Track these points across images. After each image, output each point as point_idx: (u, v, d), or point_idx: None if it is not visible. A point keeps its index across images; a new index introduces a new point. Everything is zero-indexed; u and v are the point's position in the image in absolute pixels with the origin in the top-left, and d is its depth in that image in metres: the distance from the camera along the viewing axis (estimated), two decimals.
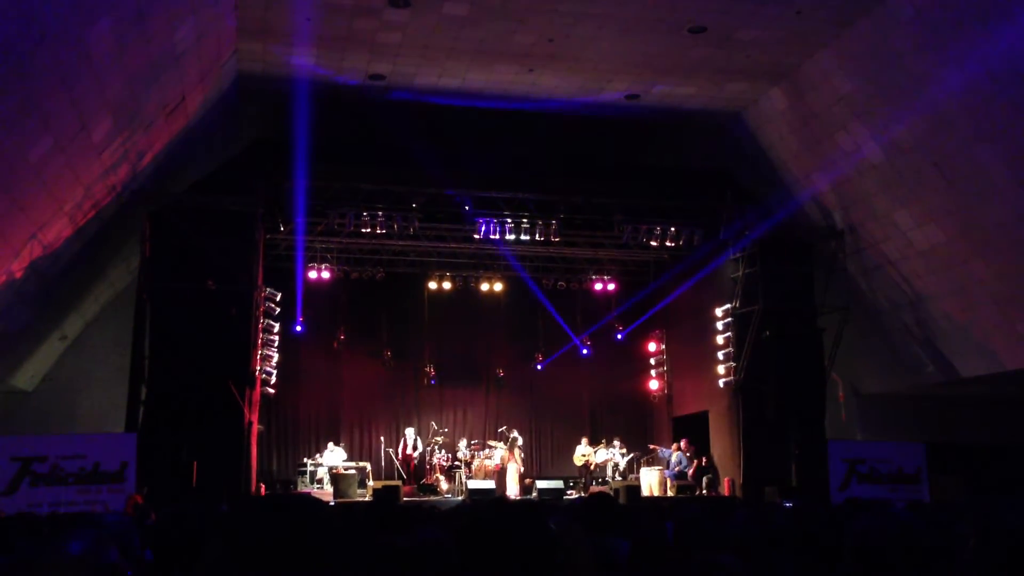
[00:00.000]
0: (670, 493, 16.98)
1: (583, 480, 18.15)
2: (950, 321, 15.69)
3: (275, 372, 16.21)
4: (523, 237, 16.54)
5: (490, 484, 16.72)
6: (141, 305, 14.30)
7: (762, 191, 17.31)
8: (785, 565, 3.46)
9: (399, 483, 16.74)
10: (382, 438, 18.78)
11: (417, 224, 16.31)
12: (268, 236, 15.93)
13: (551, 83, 15.04)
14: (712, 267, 17.59)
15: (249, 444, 14.41)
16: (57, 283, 14.34)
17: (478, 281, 19.48)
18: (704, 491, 17.13)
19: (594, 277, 19.99)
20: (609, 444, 18.62)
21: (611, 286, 20.12)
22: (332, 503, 14.14)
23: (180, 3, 11.17)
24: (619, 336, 20.32)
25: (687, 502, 14.59)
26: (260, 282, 15.25)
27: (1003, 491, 14.98)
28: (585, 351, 20.14)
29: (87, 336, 17.35)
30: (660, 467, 17.77)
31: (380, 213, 16.03)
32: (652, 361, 20.63)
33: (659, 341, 20.55)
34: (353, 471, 16.74)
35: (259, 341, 15.23)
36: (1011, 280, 14.22)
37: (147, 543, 3.72)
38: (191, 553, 3.32)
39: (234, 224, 14.75)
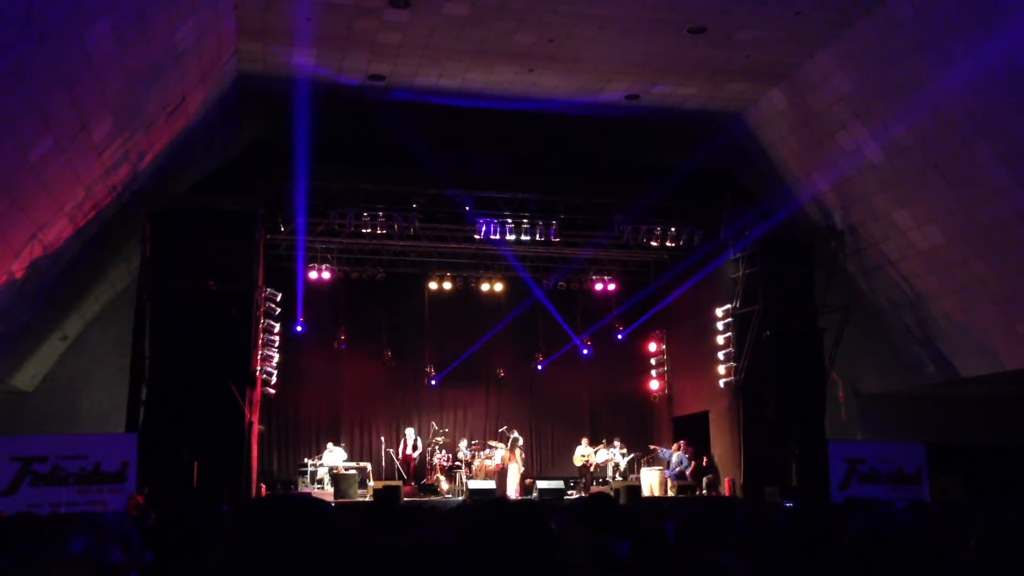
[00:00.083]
0: (670, 493, 16.98)
1: (583, 480, 18.14)
2: (950, 321, 15.69)
3: (275, 372, 16.21)
4: (523, 237, 16.54)
5: (490, 484, 16.72)
6: (141, 305, 14.31)
7: (762, 191, 17.30)
8: (785, 565, 3.47)
9: (399, 483, 16.74)
10: (382, 438, 18.78)
11: (417, 224, 16.31)
12: (268, 236, 15.93)
13: (551, 83, 15.04)
14: (712, 267, 17.59)
15: (250, 444, 14.41)
16: (58, 283, 14.34)
17: (478, 281, 19.49)
18: (704, 491, 17.13)
19: (594, 277, 19.99)
20: (609, 444, 18.62)
21: (611, 286, 20.12)
22: (332, 503, 14.14)
23: (180, 3, 11.17)
24: (619, 336, 20.32)
25: (687, 502, 14.59)
26: (260, 282, 15.25)
27: (1003, 491, 14.98)
28: (585, 351, 20.14)
29: (88, 336, 17.36)
30: (660, 467, 17.76)
31: (380, 213, 16.04)
32: (652, 361, 20.63)
33: (659, 341, 20.55)
34: (353, 471, 16.74)
35: (259, 341, 15.23)
36: (1011, 280, 14.22)
37: (147, 543, 3.72)
38: (191, 553, 3.32)
39: (234, 224, 14.75)
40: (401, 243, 17.43)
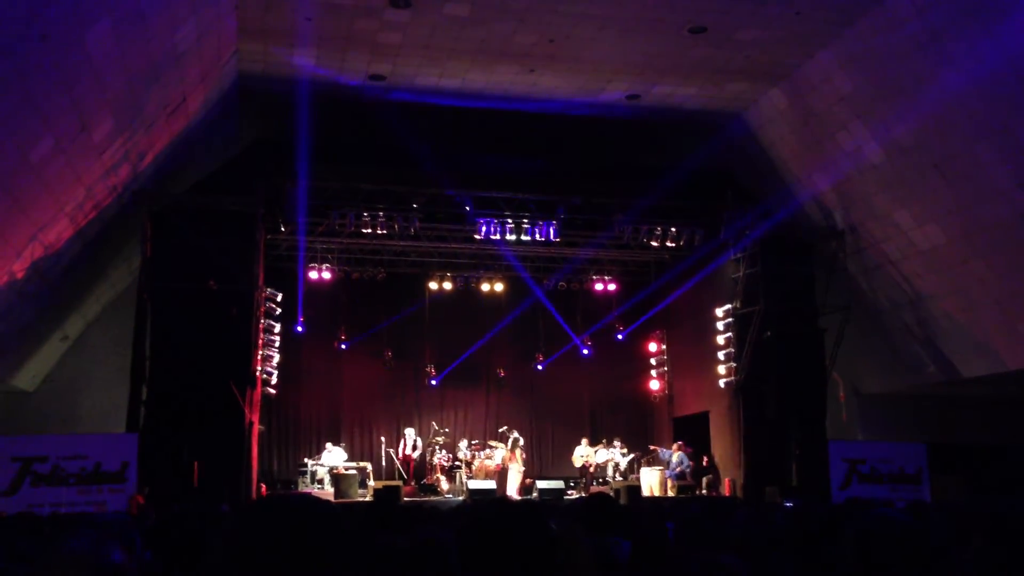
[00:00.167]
0: (670, 493, 16.97)
1: (583, 480, 18.14)
2: (951, 321, 15.69)
3: (276, 372, 16.22)
4: (523, 237, 16.54)
5: (491, 484, 16.72)
6: (142, 305, 14.31)
7: (762, 191, 17.31)
8: (785, 565, 3.47)
9: (400, 483, 16.75)
10: (383, 438, 18.77)
11: (418, 224, 16.31)
12: (268, 236, 15.94)
13: (551, 83, 15.04)
14: (713, 267, 17.59)
15: (250, 444, 14.42)
16: (58, 283, 14.35)
17: (478, 281, 19.49)
18: (704, 491, 17.13)
19: (594, 277, 19.99)
20: (609, 444, 18.61)
21: (612, 286, 20.11)
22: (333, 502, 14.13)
23: (180, 3, 11.17)
24: (619, 336, 20.32)
25: (688, 502, 14.59)
26: (261, 282, 15.25)
27: (1003, 491, 14.98)
28: (586, 351, 20.14)
29: (88, 336, 17.36)
30: (660, 467, 17.76)
31: (380, 213, 16.04)
32: (653, 361, 20.62)
33: (660, 341, 20.55)
34: (354, 471, 16.74)
35: (260, 341, 15.23)
36: (1012, 279, 14.22)
37: (147, 543, 3.72)
38: (191, 553, 3.33)
39: (235, 224, 14.75)
40: (401, 243, 17.43)
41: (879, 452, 15.75)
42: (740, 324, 16.67)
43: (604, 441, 18.81)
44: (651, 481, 17.35)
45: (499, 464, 17.58)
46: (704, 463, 17.59)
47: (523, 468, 17.84)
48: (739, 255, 16.84)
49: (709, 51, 13.81)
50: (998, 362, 15.27)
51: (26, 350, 15.69)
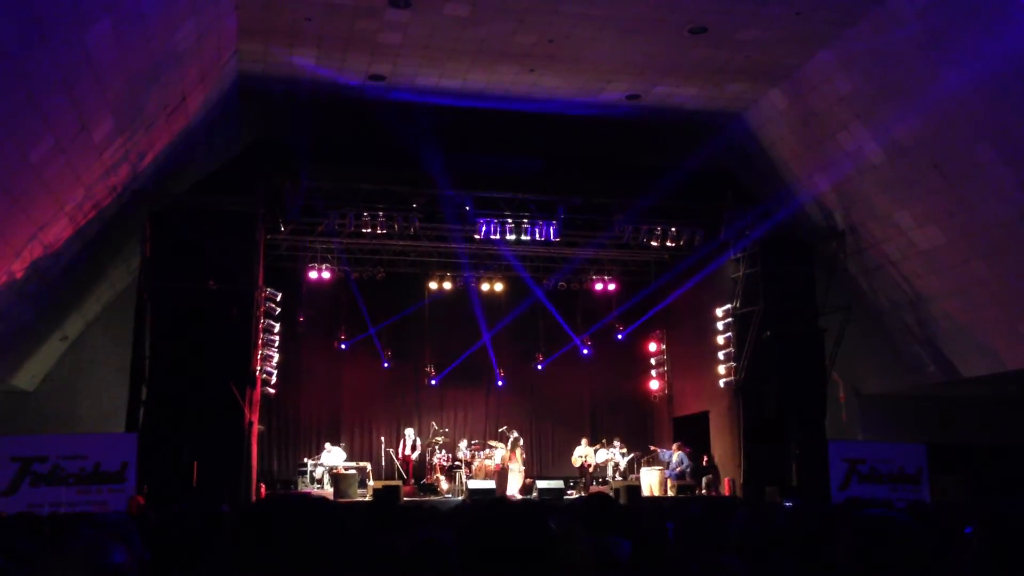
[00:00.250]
0: (670, 493, 16.97)
1: (583, 480, 18.14)
2: (951, 321, 15.69)
3: (275, 372, 16.22)
4: (523, 237, 16.54)
5: (490, 484, 16.72)
6: (142, 305, 14.30)
7: (762, 191, 17.30)
8: (785, 565, 3.47)
9: (399, 483, 16.75)
10: (382, 438, 18.78)
11: (417, 224, 16.31)
12: (268, 236, 15.93)
13: (552, 83, 15.04)
14: (713, 267, 17.59)
15: (250, 444, 14.41)
16: (58, 283, 14.34)
17: (478, 281, 19.49)
18: (704, 491, 17.13)
19: (594, 277, 20.00)
20: (609, 444, 18.61)
21: (611, 286, 20.12)
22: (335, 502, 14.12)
23: (180, 3, 11.17)
24: (619, 336, 20.32)
25: (687, 502, 14.59)
26: (261, 282, 15.25)
27: (1004, 491, 14.98)
28: (585, 351, 20.14)
29: (88, 336, 17.36)
30: (660, 467, 17.76)
31: (380, 213, 16.04)
32: (652, 361, 20.63)
33: (659, 341, 20.55)
34: (353, 471, 16.74)
35: (259, 341, 15.23)
36: (1012, 280, 14.22)
37: (147, 543, 3.72)
38: (191, 553, 3.32)
39: (234, 224, 14.75)
40: (401, 243, 17.44)
41: (879, 452, 15.75)
42: (740, 324, 16.67)
43: (604, 441, 18.82)
44: (651, 481, 17.36)
45: (499, 464, 17.59)
46: (704, 463, 17.59)
47: (523, 468, 17.85)
48: (739, 255, 16.84)
49: (709, 51, 13.81)
50: (998, 362, 15.27)
51: (25, 350, 15.69)
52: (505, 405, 19.94)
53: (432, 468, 18.02)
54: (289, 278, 17.82)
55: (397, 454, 18.26)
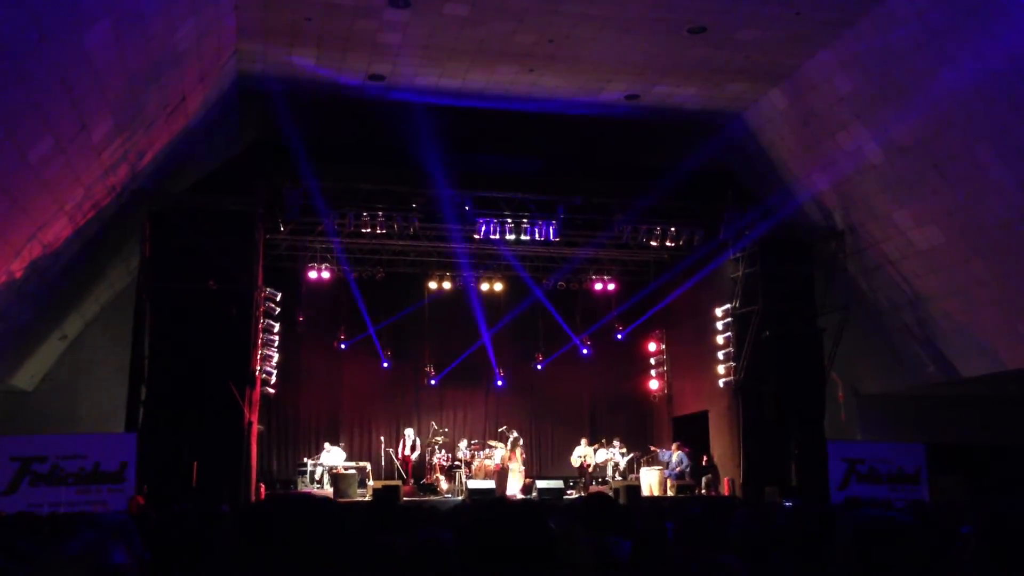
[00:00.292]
0: (670, 493, 16.98)
1: (583, 480, 18.14)
2: (950, 321, 15.69)
3: (275, 372, 16.22)
4: (523, 237, 16.54)
5: (490, 484, 16.72)
6: (141, 305, 14.30)
7: (762, 191, 17.30)
8: (785, 565, 3.47)
9: (399, 483, 16.75)
10: (382, 438, 18.78)
11: (417, 224, 16.31)
12: (268, 236, 15.93)
13: (551, 83, 15.04)
14: (712, 267, 17.60)
15: (249, 444, 14.41)
16: (57, 283, 14.34)
17: (478, 281, 19.49)
18: (704, 491, 17.13)
19: (594, 277, 20.00)
20: (609, 444, 18.61)
21: (611, 286, 20.12)
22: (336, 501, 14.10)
23: (180, 3, 11.17)
24: (619, 336, 20.32)
25: (687, 502, 14.59)
26: (260, 282, 15.25)
27: (1003, 491, 14.98)
28: (585, 351, 20.15)
29: (87, 336, 17.36)
30: (660, 467, 17.76)
31: (380, 213, 16.04)
32: (652, 361, 20.63)
33: (659, 341, 20.56)
34: (353, 471, 16.74)
35: (259, 341, 15.23)
36: (1011, 279, 14.22)
37: (147, 543, 3.72)
38: (191, 553, 3.32)
39: (234, 224, 14.75)
40: (401, 243, 17.44)
41: (878, 452, 15.75)
42: (739, 324, 16.67)
43: (603, 441, 18.82)
44: (650, 481, 17.36)
45: (498, 464, 17.59)
46: (703, 463, 17.60)
47: (523, 468, 17.86)
48: (738, 255, 16.84)
49: (709, 51, 13.81)
50: (998, 362, 15.27)
51: (25, 350, 15.69)
52: (505, 405, 19.94)
53: (432, 468, 18.02)
54: (289, 278, 17.82)
55: (397, 454, 18.26)
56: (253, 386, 14.75)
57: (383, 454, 18.45)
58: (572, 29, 13.14)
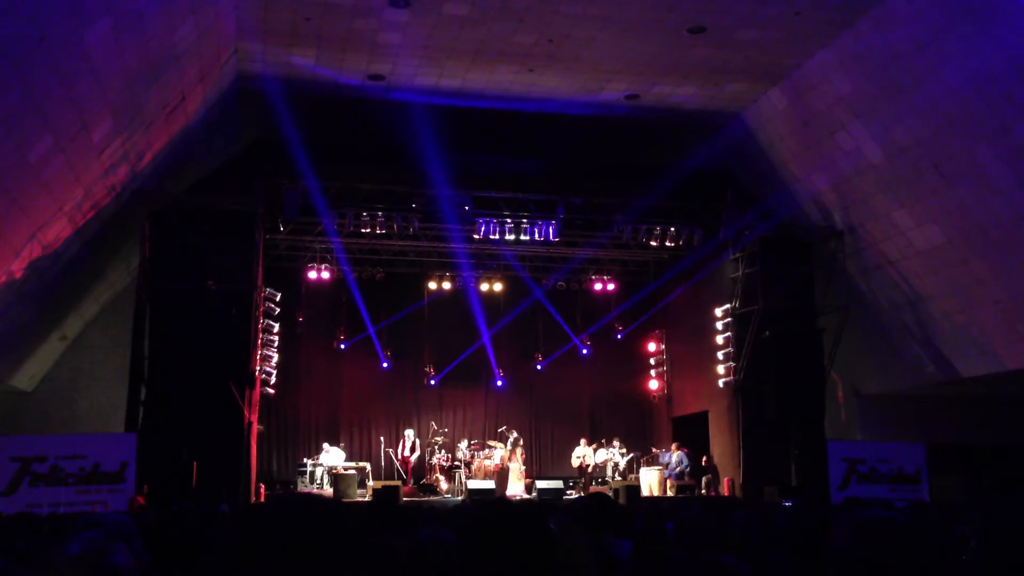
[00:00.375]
0: (670, 493, 16.97)
1: (582, 480, 18.14)
2: (950, 321, 15.69)
3: (275, 372, 16.21)
4: (523, 237, 16.54)
5: (490, 484, 16.71)
6: (141, 305, 14.29)
7: (762, 191, 17.31)
8: (785, 565, 3.47)
9: (399, 483, 16.74)
10: (382, 438, 18.77)
11: (417, 224, 16.31)
12: (268, 236, 15.93)
13: (551, 83, 15.04)
14: (712, 267, 17.59)
15: (249, 444, 14.40)
16: (57, 283, 14.34)
17: (478, 281, 19.48)
18: (704, 491, 17.13)
19: (594, 277, 19.99)
20: (608, 444, 18.61)
21: (611, 286, 20.12)
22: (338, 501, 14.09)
23: (180, 3, 11.17)
24: (619, 336, 20.32)
25: (687, 502, 14.59)
26: (260, 282, 15.24)
27: (1003, 491, 14.99)
28: (585, 351, 20.14)
29: (87, 336, 17.35)
30: (660, 467, 17.76)
31: (380, 213, 16.03)
32: (652, 361, 20.62)
33: (659, 341, 20.55)
34: (353, 471, 16.73)
35: (259, 341, 15.22)
36: (1011, 280, 14.23)
37: (147, 543, 3.72)
38: (191, 553, 3.32)
39: (234, 224, 14.74)
40: (400, 243, 17.43)
41: (878, 452, 15.76)
42: (739, 324, 16.67)
43: (603, 441, 18.81)
44: (650, 481, 17.36)
45: (498, 464, 17.59)
46: (703, 463, 17.59)
47: (524, 467, 17.87)
48: (738, 255, 16.84)
49: (708, 51, 13.82)
50: (997, 362, 15.27)
51: (24, 350, 15.68)
52: (504, 405, 19.93)
53: (432, 468, 18.01)
54: (288, 278, 17.81)
55: (396, 455, 18.25)
56: (253, 386, 14.75)
57: (383, 454, 18.44)
58: (572, 29, 13.14)
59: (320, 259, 18.18)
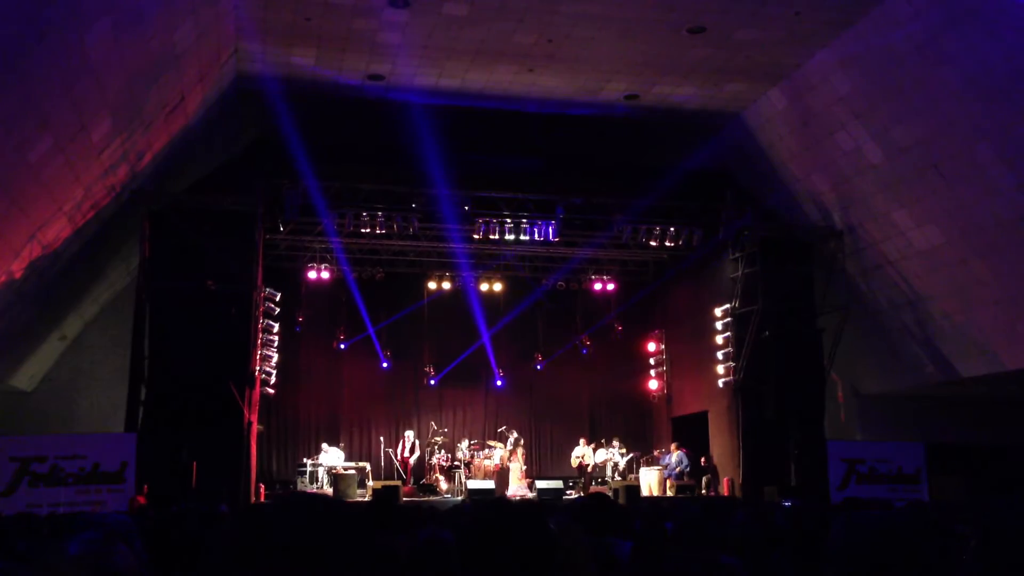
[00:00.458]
0: (669, 493, 16.97)
1: (582, 480, 18.14)
2: (950, 321, 15.69)
3: (275, 372, 16.21)
4: (522, 237, 16.54)
5: (489, 484, 16.71)
6: (140, 305, 14.29)
7: (762, 191, 17.31)
8: (785, 565, 3.47)
9: (399, 483, 16.74)
10: (381, 438, 18.77)
11: (417, 224, 16.31)
12: (268, 236, 15.93)
13: (550, 83, 15.05)
14: (712, 267, 17.59)
15: (249, 444, 14.40)
16: (56, 283, 14.34)
17: (477, 281, 19.48)
18: (703, 491, 17.13)
19: (594, 277, 19.99)
20: (608, 444, 18.61)
21: (611, 286, 20.12)
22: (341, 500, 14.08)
23: (180, 3, 11.17)
24: (619, 336, 20.32)
25: (687, 502, 14.59)
26: (260, 282, 15.24)
27: (1003, 491, 14.98)
28: (585, 351, 20.14)
29: (87, 336, 17.35)
30: (659, 467, 17.75)
31: (380, 213, 16.03)
32: (652, 361, 20.61)
33: (659, 341, 20.54)
34: (353, 471, 16.73)
35: (259, 341, 15.22)
36: (1011, 280, 14.23)
37: (147, 544, 3.72)
38: (190, 553, 3.32)
39: (234, 224, 14.74)
40: (400, 243, 17.43)
41: (878, 452, 15.76)
42: (739, 324, 16.66)
43: (603, 441, 18.82)
44: (650, 481, 17.36)
45: (497, 464, 17.59)
46: (702, 463, 17.59)
47: (525, 467, 17.88)
48: (738, 255, 16.83)
49: (708, 51, 13.82)
50: (997, 362, 15.27)
51: (24, 350, 15.68)
52: (504, 405, 19.93)
53: (431, 468, 18.01)
54: (288, 278, 17.81)
55: (396, 455, 18.25)
56: (253, 386, 14.74)
57: (383, 454, 18.44)
58: (571, 29, 13.14)
59: (320, 259, 18.18)
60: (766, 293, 16.20)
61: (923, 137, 13.71)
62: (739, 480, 16.20)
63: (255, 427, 14.81)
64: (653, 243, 17.11)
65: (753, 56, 13.94)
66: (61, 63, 9.96)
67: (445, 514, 5.03)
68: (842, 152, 15.09)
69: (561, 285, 19.67)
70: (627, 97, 15.62)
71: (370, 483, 17.03)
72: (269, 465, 18.25)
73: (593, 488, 17.46)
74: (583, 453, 18.23)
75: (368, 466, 17.82)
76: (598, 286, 20.07)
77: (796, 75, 14.55)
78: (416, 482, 17.72)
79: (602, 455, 18.33)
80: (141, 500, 12.21)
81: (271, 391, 16.21)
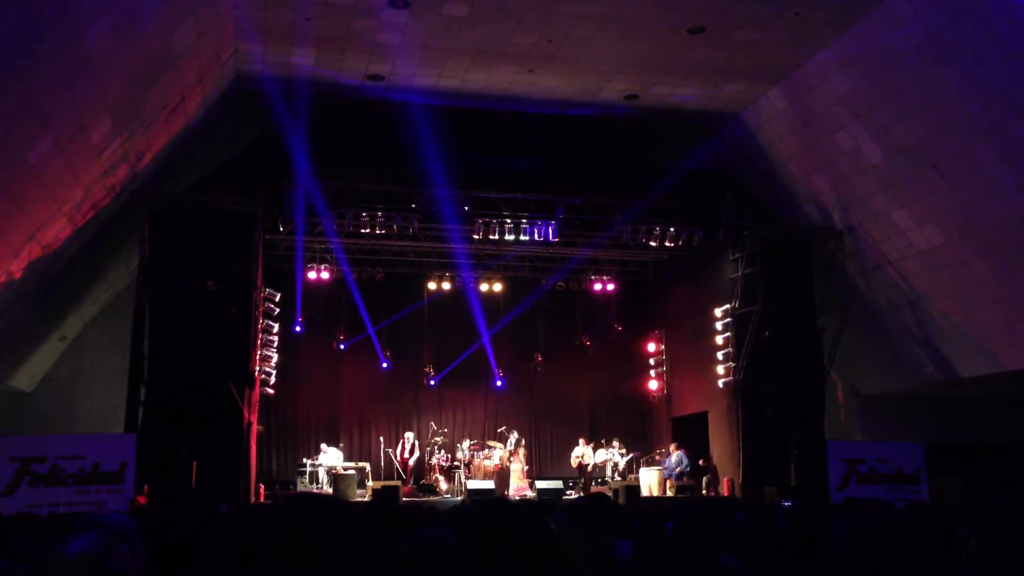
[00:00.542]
0: (669, 493, 16.97)
1: (582, 480, 18.14)
2: (950, 321, 15.70)
3: (274, 372, 16.21)
4: (522, 237, 16.54)
5: (489, 484, 16.71)
6: (140, 305, 14.29)
7: (762, 191, 17.31)
8: (785, 565, 3.47)
9: (399, 483, 16.74)
10: (381, 438, 18.77)
11: (417, 224, 16.31)
12: (268, 236, 15.93)
13: (550, 83, 15.05)
14: (712, 267, 17.60)
15: (248, 444, 14.40)
16: (56, 283, 14.33)
17: (477, 281, 19.48)
18: (703, 491, 17.12)
19: (594, 277, 19.99)
20: (608, 444, 18.61)
21: (611, 286, 20.12)
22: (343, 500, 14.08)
23: (180, 3, 11.17)
24: (618, 336, 20.31)
25: (687, 502, 14.59)
26: (260, 282, 15.24)
27: (1003, 491, 14.97)
28: (585, 351, 20.14)
29: (86, 337, 17.35)
30: (659, 467, 17.75)
31: (380, 213, 16.04)
32: (651, 361, 20.61)
33: (658, 341, 20.54)
34: (352, 471, 16.73)
35: (258, 341, 15.22)
36: (1011, 280, 14.23)
37: (146, 544, 3.72)
38: (190, 554, 3.32)
39: (234, 224, 14.74)
40: (400, 243, 17.43)
41: (878, 452, 15.76)
42: (739, 324, 16.66)
43: (603, 441, 18.81)
44: (650, 481, 17.36)
45: (497, 464, 17.59)
46: (702, 463, 17.59)
47: (526, 467, 17.88)
48: (738, 255, 16.84)
49: (708, 51, 13.82)
50: (997, 362, 15.28)
51: (24, 350, 15.68)
52: (504, 405, 19.93)
53: (431, 468, 18.01)
54: (288, 278, 17.81)
55: (396, 455, 18.25)
56: (252, 386, 14.74)
57: (382, 455, 18.44)
58: (571, 29, 13.14)
59: (320, 259, 18.17)
60: (766, 293, 16.20)
61: (923, 137, 13.71)
62: (739, 480, 16.20)
63: (255, 427, 14.81)
64: (653, 243, 17.11)
65: (753, 56, 13.94)
66: (61, 63, 9.96)
67: (445, 514, 5.03)
68: (842, 152, 15.09)
69: (561, 285, 19.67)
70: (627, 97, 15.62)
71: (370, 483, 17.03)
72: (269, 465, 18.25)
73: (593, 488, 17.46)
74: (583, 453, 18.23)
75: (368, 466, 17.82)
76: (598, 286, 20.07)
77: (796, 75, 14.55)
78: (416, 482, 17.72)
79: (602, 455, 18.33)
80: (141, 500, 12.21)
81: (271, 391, 16.21)
